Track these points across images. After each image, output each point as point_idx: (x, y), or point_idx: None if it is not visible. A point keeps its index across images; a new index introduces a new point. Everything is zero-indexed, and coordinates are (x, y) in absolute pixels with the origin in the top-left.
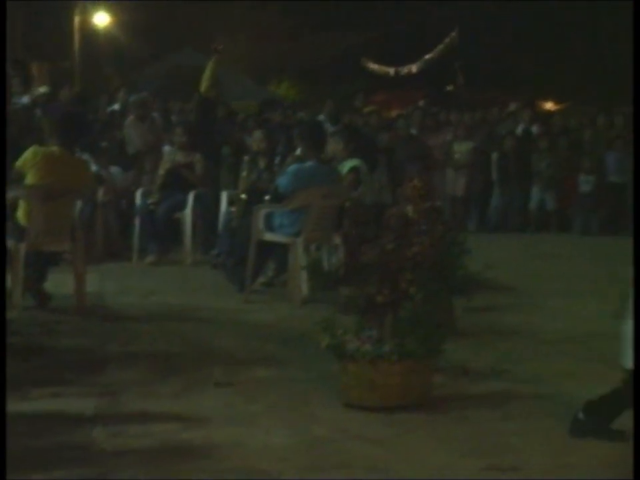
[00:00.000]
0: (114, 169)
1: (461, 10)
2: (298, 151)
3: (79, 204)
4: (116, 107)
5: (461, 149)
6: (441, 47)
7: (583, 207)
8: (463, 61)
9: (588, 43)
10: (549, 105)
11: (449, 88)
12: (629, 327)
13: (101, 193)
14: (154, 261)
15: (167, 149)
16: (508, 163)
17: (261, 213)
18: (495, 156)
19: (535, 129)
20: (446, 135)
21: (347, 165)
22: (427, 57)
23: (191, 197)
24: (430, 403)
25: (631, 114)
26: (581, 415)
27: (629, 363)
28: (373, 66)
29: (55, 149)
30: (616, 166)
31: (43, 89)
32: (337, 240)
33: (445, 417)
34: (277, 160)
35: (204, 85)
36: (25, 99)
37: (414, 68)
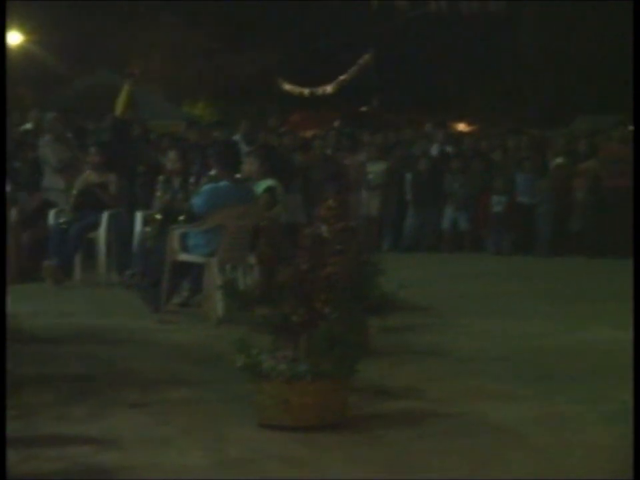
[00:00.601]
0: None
1: (376, 31)
2: (213, 171)
3: None
4: (28, 126)
5: (375, 170)
6: (355, 68)
7: (495, 227)
8: (378, 82)
9: (499, 66)
10: (462, 127)
11: (364, 109)
12: None
13: (14, 214)
14: (51, 270)
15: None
16: (422, 183)
17: (176, 233)
18: (408, 176)
19: (448, 149)
20: (360, 155)
21: (262, 185)
22: (342, 77)
23: (105, 217)
24: (345, 423)
25: (537, 135)
26: None
27: None
28: (288, 86)
29: None
30: (525, 187)
31: None
32: (252, 260)
33: (361, 437)
34: (192, 180)
35: (119, 108)
36: None
37: (329, 88)
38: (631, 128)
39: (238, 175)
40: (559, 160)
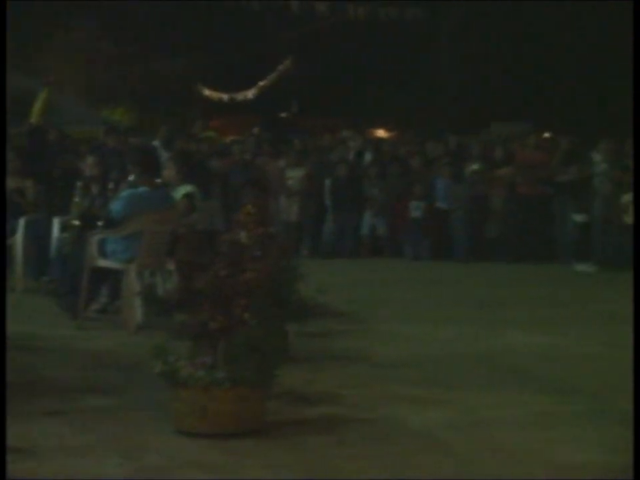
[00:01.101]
0: None
1: (296, 37)
2: (131, 177)
3: None
4: None
5: (294, 175)
6: (274, 74)
7: (414, 233)
8: (298, 88)
9: (416, 72)
10: (380, 132)
11: (284, 114)
12: None
13: None
14: None
15: None
16: (340, 189)
17: (94, 239)
18: (327, 182)
19: (366, 155)
20: (280, 161)
21: (180, 191)
22: (262, 83)
23: (22, 223)
24: (264, 430)
25: (454, 141)
26: None
27: None
28: (208, 92)
29: None
30: (443, 192)
31: None
32: (171, 266)
33: (279, 443)
34: (111, 185)
35: (35, 115)
36: None
37: (249, 94)
38: (546, 135)
39: (159, 180)
40: (475, 166)
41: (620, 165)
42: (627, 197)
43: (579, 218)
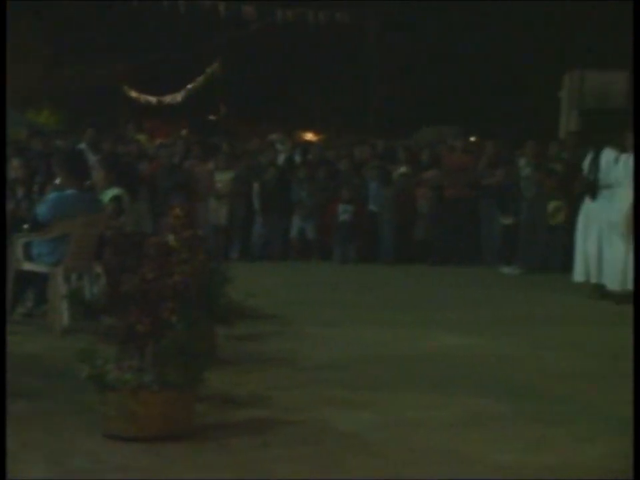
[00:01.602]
0: None
1: (225, 40)
2: (58, 180)
3: None
4: None
5: (223, 178)
6: (203, 76)
7: (342, 235)
8: (226, 91)
9: (345, 76)
10: (309, 136)
11: (212, 117)
12: None
13: None
14: None
15: None
16: (269, 192)
17: (20, 242)
18: (256, 185)
19: (295, 158)
20: (208, 164)
21: (108, 194)
22: (190, 86)
23: None
24: (192, 432)
25: (382, 145)
26: None
27: None
28: (136, 94)
29: None
30: (373, 195)
31: None
32: (98, 269)
33: (207, 446)
34: (36, 188)
35: None
36: None
37: (178, 97)
38: (473, 138)
39: (86, 183)
40: (402, 169)
41: (544, 169)
42: (553, 204)
43: (505, 221)
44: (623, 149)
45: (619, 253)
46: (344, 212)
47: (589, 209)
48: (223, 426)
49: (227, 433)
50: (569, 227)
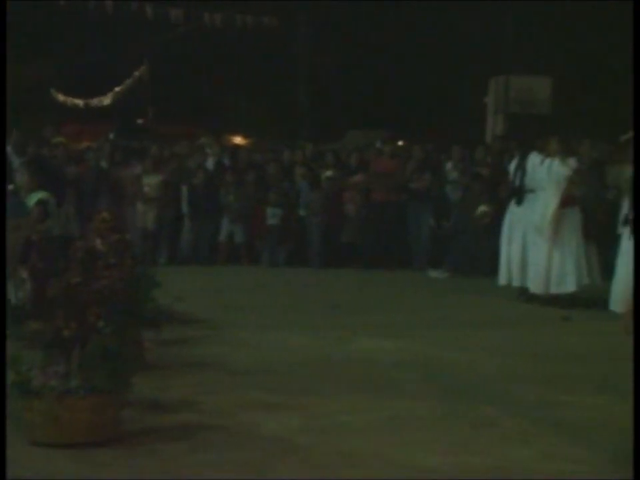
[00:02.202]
0: None
1: (153, 43)
2: None
3: None
4: None
5: (151, 182)
6: (130, 79)
7: (270, 240)
8: (154, 94)
9: (273, 80)
10: (237, 140)
11: (140, 121)
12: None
13: None
14: None
15: None
16: (197, 196)
17: None
18: (184, 189)
19: (224, 162)
20: (136, 167)
21: (33, 198)
22: (117, 89)
23: None
24: (120, 438)
25: (310, 149)
26: None
27: None
28: (62, 97)
29: None
30: (302, 200)
31: None
32: (24, 273)
33: (136, 451)
34: None
35: None
36: None
37: (105, 100)
38: (401, 143)
39: (11, 187)
40: (329, 173)
41: (470, 173)
42: (482, 208)
43: (433, 225)
44: (547, 154)
45: (541, 256)
46: (272, 216)
47: (514, 212)
48: (150, 431)
49: (155, 438)
50: (496, 231)
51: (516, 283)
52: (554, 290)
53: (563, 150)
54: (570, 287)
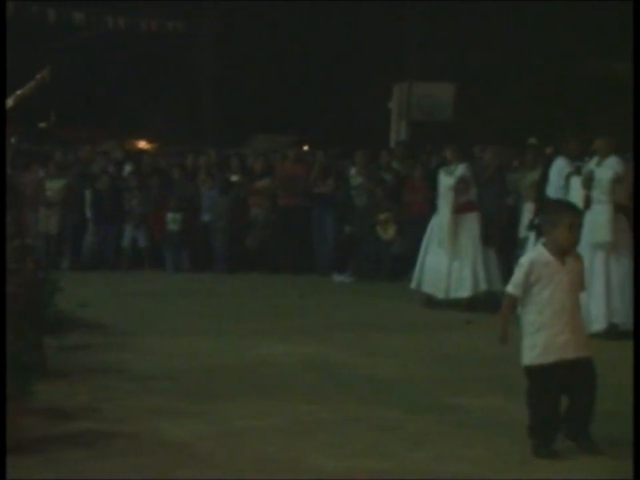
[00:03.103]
0: None
1: (55, 46)
2: None
3: None
4: None
5: (53, 187)
6: (32, 82)
7: (174, 244)
8: (56, 98)
9: (178, 84)
10: (142, 144)
11: (42, 125)
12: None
13: None
14: None
15: None
16: (101, 200)
17: None
18: (88, 194)
19: (127, 167)
20: (38, 172)
21: None
22: (19, 92)
23: None
24: (21, 446)
25: (215, 153)
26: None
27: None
28: None
29: None
30: (207, 204)
31: None
32: None
33: (36, 460)
34: None
35: None
36: None
37: (7, 103)
38: (306, 148)
39: None
40: (235, 178)
41: (374, 178)
42: (384, 215)
43: (337, 229)
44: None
45: (442, 262)
46: (172, 221)
47: (433, 220)
48: (53, 439)
49: (58, 446)
50: (400, 236)
51: (426, 288)
52: (453, 295)
53: (459, 158)
54: (466, 292)
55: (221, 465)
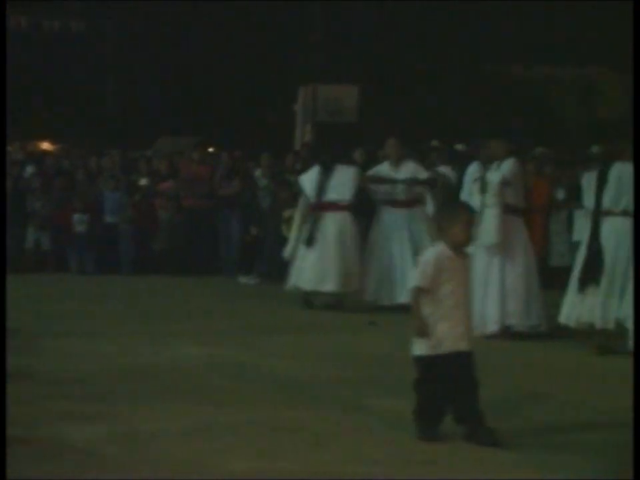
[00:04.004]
0: None
1: None
2: None
3: None
4: None
5: None
6: None
7: (78, 246)
8: None
9: (85, 85)
10: (45, 145)
11: None
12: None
13: None
14: None
15: None
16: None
17: None
18: None
19: (28, 169)
20: None
21: None
22: None
23: None
24: None
25: (120, 155)
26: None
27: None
28: None
29: None
30: (110, 205)
31: None
32: None
33: None
34: None
35: None
36: None
37: None
38: (210, 149)
39: None
40: (142, 180)
41: (279, 180)
42: (288, 213)
43: (242, 231)
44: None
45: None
46: (79, 222)
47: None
48: None
49: None
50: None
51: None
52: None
53: (369, 160)
54: (329, 286)
55: (127, 468)
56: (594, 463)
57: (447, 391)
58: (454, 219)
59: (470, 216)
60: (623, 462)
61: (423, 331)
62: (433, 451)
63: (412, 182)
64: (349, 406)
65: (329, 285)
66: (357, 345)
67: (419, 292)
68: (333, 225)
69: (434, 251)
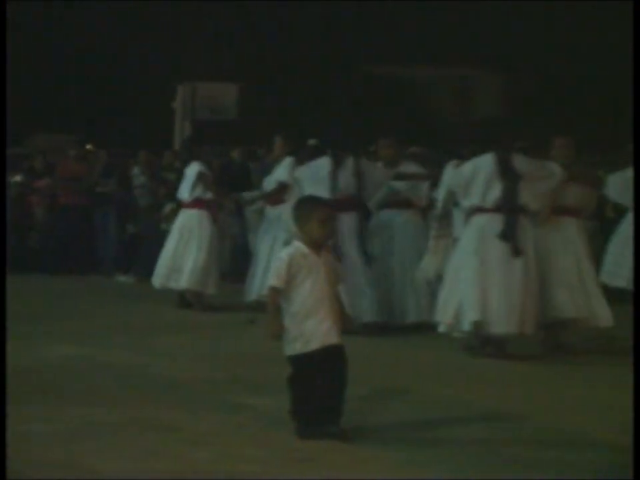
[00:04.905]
0: None
1: None
2: None
3: None
4: None
5: None
6: None
7: None
8: None
9: None
10: None
11: None
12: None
13: None
14: None
15: None
16: None
17: None
18: None
19: None
20: None
21: None
22: None
23: None
24: None
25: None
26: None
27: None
28: None
29: None
30: None
31: None
32: None
33: None
34: None
35: None
36: None
37: None
38: (88, 147)
39: None
40: (18, 178)
41: (157, 178)
42: (169, 207)
43: (119, 229)
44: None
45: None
46: None
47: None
48: None
49: None
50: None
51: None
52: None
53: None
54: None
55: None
56: (469, 457)
57: (321, 388)
58: (310, 216)
59: (327, 213)
60: (502, 458)
61: (275, 333)
62: (311, 449)
63: None
64: (227, 405)
65: (180, 282)
66: (235, 345)
67: (275, 292)
68: (189, 221)
69: (288, 251)
